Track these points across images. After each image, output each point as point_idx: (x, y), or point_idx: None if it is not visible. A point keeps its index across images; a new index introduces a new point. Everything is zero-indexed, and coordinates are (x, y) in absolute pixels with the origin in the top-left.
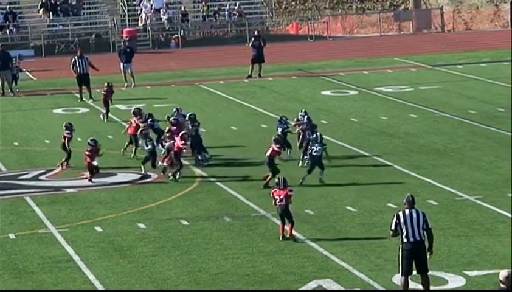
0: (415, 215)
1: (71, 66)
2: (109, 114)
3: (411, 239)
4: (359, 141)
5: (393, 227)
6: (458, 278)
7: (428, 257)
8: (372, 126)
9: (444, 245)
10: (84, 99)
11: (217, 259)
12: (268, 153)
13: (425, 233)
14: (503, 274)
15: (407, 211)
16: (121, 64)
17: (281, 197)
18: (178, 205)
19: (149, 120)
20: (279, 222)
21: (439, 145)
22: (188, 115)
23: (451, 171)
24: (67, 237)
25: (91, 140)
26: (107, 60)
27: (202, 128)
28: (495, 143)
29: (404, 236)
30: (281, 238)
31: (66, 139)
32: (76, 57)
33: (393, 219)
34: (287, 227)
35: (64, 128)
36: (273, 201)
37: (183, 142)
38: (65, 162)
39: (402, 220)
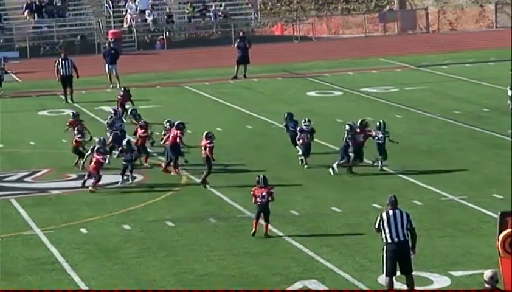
0: (398, 216)
1: (55, 67)
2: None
3: (395, 240)
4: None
5: (376, 226)
6: (443, 279)
7: (412, 257)
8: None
9: (429, 245)
10: (69, 101)
11: (203, 260)
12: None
13: (409, 233)
14: (487, 274)
15: (390, 212)
16: (106, 65)
17: (263, 194)
18: (163, 206)
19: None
20: (261, 221)
21: (424, 146)
22: (176, 123)
23: (436, 172)
24: (52, 239)
25: (100, 147)
26: (92, 61)
27: (187, 130)
28: (480, 143)
29: (387, 236)
30: (252, 233)
31: (77, 143)
32: (60, 59)
33: (376, 219)
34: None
35: (76, 132)
36: (253, 199)
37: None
38: (82, 162)
39: (385, 221)
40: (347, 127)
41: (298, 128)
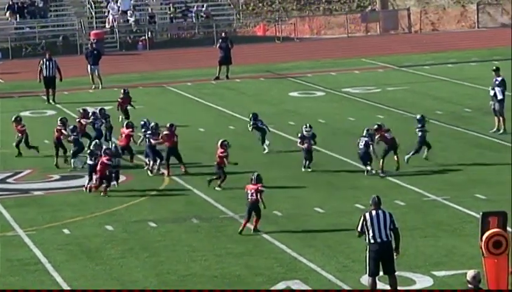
0: (381, 216)
1: (38, 67)
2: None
3: (378, 240)
4: (326, 142)
5: (359, 229)
6: (425, 279)
7: (395, 257)
8: (339, 127)
9: (412, 245)
10: (51, 101)
11: (186, 261)
12: None
13: (392, 233)
14: (470, 274)
15: (373, 212)
16: (89, 66)
17: (252, 191)
18: (146, 207)
19: (92, 117)
20: (248, 224)
21: (407, 146)
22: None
23: (419, 172)
24: (35, 240)
25: (107, 148)
26: (74, 62)
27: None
28: (463, 143)
29: (370, 237)
30: (239, 232)
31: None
32: (44, 59)
33: (359, 220)
34: (249, 225)
35: (60, 122)
36: (246, 196)
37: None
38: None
39: (368, 221)
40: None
41: (300, 135)
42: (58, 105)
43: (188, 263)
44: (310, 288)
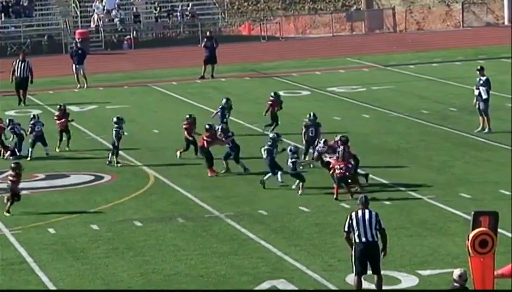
0: (367, 216)
1: (11, 68)
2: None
3: (363, 240)
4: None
5: (346, 228)
6: (411, 278)
7: (382, 257)
8: (325, 126)
9: (397, 245)
10: (21, 103)
11: (171, 260)
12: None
13: (378, 233)
14: (456, 272)
15: (360, 211)
16: (74, 65)
17: (341, 166)
18: (131, 206)
19: (10, 126)
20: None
21: (392, 145)
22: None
23: (404, 171)
24: (20, 239)
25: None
26: (59, 61)
27: (155, 129)
28: (448, 142)
29: (356, 236)
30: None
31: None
32: (18, 60)
33: (346, 219)
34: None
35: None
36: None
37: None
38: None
39: (354, 220)
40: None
41: (304, 123)
42: (42, 104)
43: (174, 263)
44: (295, 287)
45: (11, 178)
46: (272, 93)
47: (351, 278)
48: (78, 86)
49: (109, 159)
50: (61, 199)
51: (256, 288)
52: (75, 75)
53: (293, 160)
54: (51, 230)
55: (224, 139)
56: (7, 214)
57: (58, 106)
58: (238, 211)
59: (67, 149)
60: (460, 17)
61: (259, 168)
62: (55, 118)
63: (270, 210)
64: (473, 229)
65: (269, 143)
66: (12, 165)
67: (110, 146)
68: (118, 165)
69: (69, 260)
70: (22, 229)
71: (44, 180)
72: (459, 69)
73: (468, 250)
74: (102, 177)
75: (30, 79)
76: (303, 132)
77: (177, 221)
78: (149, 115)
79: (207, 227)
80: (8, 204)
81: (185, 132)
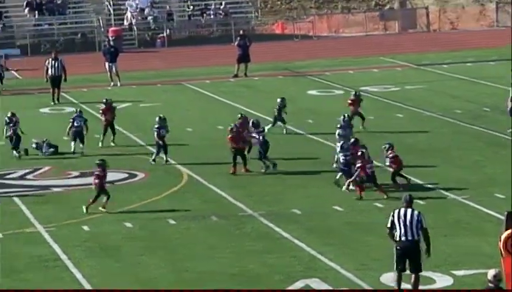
0: (409, 215)
1: (44, 67)
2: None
3: (403, 238)
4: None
5: (388, 225)
6: (445, 278)
7: (424, 258)
8: (358, 125)
9: (432, 245)
10: (55, 101)
11: (204, 258)
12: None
13: (420, 233)
14: (490, 273)
15: (402, 210)
16: (107, 63)
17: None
18: (164, 204)
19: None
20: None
21: (425, 145)
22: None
23: (437, 171)
24: (54, 236)
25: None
26: (92, 59)
27: (188, 128)
28: (481, 142)
29: (397, 234)
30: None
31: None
32: (50, 59)
33: (389, 217)
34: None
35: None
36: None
37: None
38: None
39: (396, 218)
40: None
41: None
42: (76, 102)
43: (207, 261)
44: (329, 287)
45: (97, 174)
46: (353, 92)
47: (385, 278)
48: (112, 84)
49: (153, 157)
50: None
51: (290, 287)
52: (108, 73)
53: (346, 156)
54: (85, 228)
55: (251, 135)
56: (85, 209)
57: (104, 100)
58: (271, 210)
59: (113, 144)
60: (493, 16)
61: (291, 167)
62: (100, 112)
63: (304, 209)
64: (506, 229)
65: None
66: (98, 161)
67: (146, 145)
68: (167, 163)
69: (102, 258)
70: (56, 226)
71: (78, 178)
72: (492, 69)
73: (500, 250)
74: (135, 175)
75: (63, 77)
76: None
77: (211, 219)
78: (182, 113)
79: (240, 225)
80: (91, 200)
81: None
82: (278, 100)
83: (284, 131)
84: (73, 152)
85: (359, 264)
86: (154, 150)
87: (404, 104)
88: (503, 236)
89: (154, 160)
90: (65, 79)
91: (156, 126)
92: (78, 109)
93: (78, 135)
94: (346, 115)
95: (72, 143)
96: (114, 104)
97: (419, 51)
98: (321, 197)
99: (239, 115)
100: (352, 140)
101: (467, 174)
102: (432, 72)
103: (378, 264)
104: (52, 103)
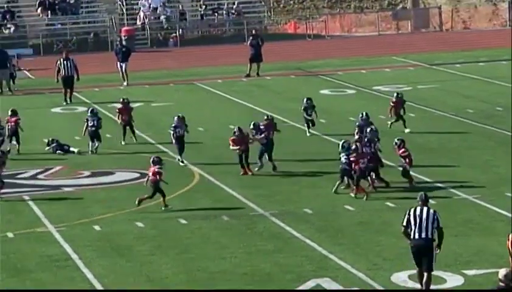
0: (425, 213)
1: (56, 67)
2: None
3: (417, 236)
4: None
5: (404, 223)
6: (456, 278)
7: (436, 252)
8: (400, 129)
9: (443, 244)
10: (67, 101)
11: (215, 258)
12: None
13: (435, 232)
14: (502, 272)
15: (418, 208)
16: (118, 63)
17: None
18: (176, 204)
19: None
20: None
21: (437, 144)
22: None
23: (448, 170)
24: (65, 236)
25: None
26: (105, 59)
27: (200, 127)
28: (493, 142)
29: (412, 232)
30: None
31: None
32: (62, 59)
33: (405, 215)
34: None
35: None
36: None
37: None
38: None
39: (412, 217)
40: None
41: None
42: (88, 102)
43: (218, 260)
44: (340, 286)
45: (156, 170)
46: (395, 94)
47: (396, 277)
48: (124, 83)
49: (179, 158)
50: (106, 196)
51: (301, 287)
52: (120, 73)
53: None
54: (97, 227)
55: (254, 136)
56: (138, 202)
57: (121, 99)
58: (282, 209)
59: (135, 141)
60: (506, 16)
61: (302, 166)
62: (117, 111)
63: (315, 209)
64: None
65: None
66: (154, 158)
67: (157, 144)
68: (182, 164)
69: (114, 257)
70: (67, 225)
71: (89, 178)
72: (505, 68)
73: (509, 250)
74: (147, 175)
75: (76, 77)
76: (355, 132)
77: (222, 218)
78: (194, 113)
79: (252, 225)
80: (146, 196)
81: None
82: (304, 100)
83: (308, 133)
84: (92, 152)
85: (370, 264)
86: (167, 150)
87: (416, 103)
88: (511, 236)
89: (181, 161)
90: (77, 79)
91: (173, 125)
92: (91, 108)
93: (95, 134)
94: (364, 113)
95: (90, 143)
96: (130, 104)
97: (431, 50)
98: (332, 197)
99: (266, 117)
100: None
101: (478, 173)
102: (445, 72)
103: (389, 264)
104: (64, 103)
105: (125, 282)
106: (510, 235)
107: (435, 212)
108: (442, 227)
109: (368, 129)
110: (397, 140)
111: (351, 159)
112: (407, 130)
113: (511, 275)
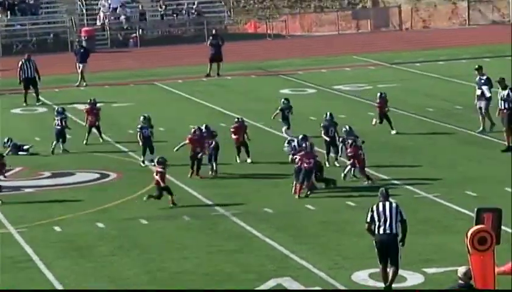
0: (388, 208)
1: (18, 69)
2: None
3: (381, 231)
4: (317, 140)
5: (368, 220)
6: (416, 276)
7: (400, 246)
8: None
9: (406, 237)
10: (27, 102)
11: (177, 258)
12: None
13: (399, 225)
14: (461, 270)
15: (381, 204)
16: (77, 63)
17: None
18: (137, 204)
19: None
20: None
21: (398, 143)
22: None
23: (409, 169)
24: (25, 237)
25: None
26: (65, 59)
27: (160, 127)
28: (454, 141)
29: (376, 228)
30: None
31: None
32: (24, 60)
33: (368, 212)
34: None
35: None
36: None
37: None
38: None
39: (376, 213)
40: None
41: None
42: (48, 102)
43: (179, 261)
44: (301, 286)
45: (159, 170)
46: (378, 94)
47: (356, 276)
48: (84, 84)
49: (141, 159)
50: (66, 197)
51: (262, 287)
52: (79, 74)
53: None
54: (57, 228)
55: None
56: (145, 199)
57: (89, 100)
58: (243, 209)
59: (101, 141)
60: (465, 15)
61: (262, 166)
62: (84, 111)
63: (276, 208)
64: (476, 225)
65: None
66: (159, 159)
67: (117, 145)
68: (143, 164)
69: (75, 258)
70: (27, 227)
71: (50, 178)
72: (465, 67)
73: (467, 248)
74: (108, 175)
75: (37, 78)
76: (323, 132)
77: (183, 219)
78: (154, 113)
79: (213, 225)
80: (154, 194)
81: (233, 135)
82: (283, 100)
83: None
84: (53, 152)
85: (331, 263)
86: (126, 149)
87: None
88: (469, 233)
89: (143, 161)
90: (39, 78)
91: (139, 126)
92: (59, 108)
93: (60, 134)
94: (328, 113)
95: (54, 142)
96: (98, 105)
97: (391, 50)
98: (293, 196)
99: (237, 119)
100: (300, 136)
101: (439, 172)
102: (405, 71)
103: (350, 263)
104: (24, 104)
105: (86, 283)
106: (468, 233)
107: (397, 205)
108: (406, 219)
109: (343, 129)
110: (350, 139)
111: (297, 157)
112: (393, 132)
113: (470, 273)
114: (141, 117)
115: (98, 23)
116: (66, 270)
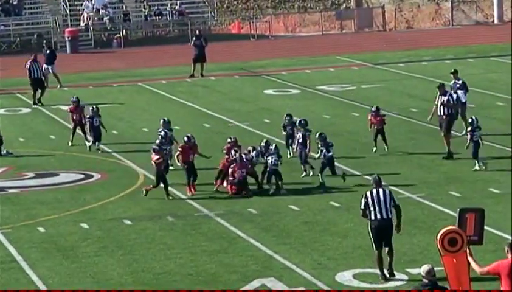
0: (381, 194)
1: (27, 70)
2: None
3: (378, 217)
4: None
5: (362, 206)
6: (400, 276)
7: (397, 232)
8: (314, 125)
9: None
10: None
11: (161, 259)
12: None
13: (393, 210)
14: (424, 268)
15: (374, 190)
16: (45, 65)
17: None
18: (121, 205)
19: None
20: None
21: (381, 143)
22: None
23: (393, 169)
24: (9, 238)
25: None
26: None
27: (144, 128)
28: (438, 141)
29: (371, 213)
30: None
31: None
32: (31, 61)
33: (361, 199)
34: None
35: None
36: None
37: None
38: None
39: (370, 199)
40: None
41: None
42: (31, 102)
43: (163, 261)
44: (285, 286)
45: (156, 161)
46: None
47: (341, 277)
48: (58, 86)
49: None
50: (50, 198)
51: (246, 287)
52: (52, 76)
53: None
54: (41, 229)
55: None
56: (144, 192)
57: (71, 99)
58: (227, 209)
59: (87, 143)
60: (449, 15)
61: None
62: (68, 111)
63: (260, 209)
64: (459, 226)
65: None
66: (154, 146)
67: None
68: (99, 151)
69: (59, 259)
70: (11, 227)
71: (34, 179)
72: (448, 68)
73: (439, 250)
74: (92, 176)
75: (44, 79)
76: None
77: (167, 219)
78: (138, 113)
79: (197, 225)
80: (151, 186)
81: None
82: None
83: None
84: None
85: (315, 263)
86: (110, 150)
87: (360, 103)
88: (439, 235)
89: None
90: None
91: (160, 129)
92: (95, 107)
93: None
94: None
95: (91, 141)
96: (81, 103)
97: (375, 50)
98: (277, 197)
99: (229, 139)
100: (264, 141)
101: (423, 172)
102: (388, 71)
103: (334, 263)
104: (33, 105)
105: (70, 283)
106: (438, 234)
107: (390, 191)
108: (399, 204)
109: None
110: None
111: (232, 167)
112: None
113: (434, 271)
114: (161, 121)
115: (82, 24)
116: (50, 270)
